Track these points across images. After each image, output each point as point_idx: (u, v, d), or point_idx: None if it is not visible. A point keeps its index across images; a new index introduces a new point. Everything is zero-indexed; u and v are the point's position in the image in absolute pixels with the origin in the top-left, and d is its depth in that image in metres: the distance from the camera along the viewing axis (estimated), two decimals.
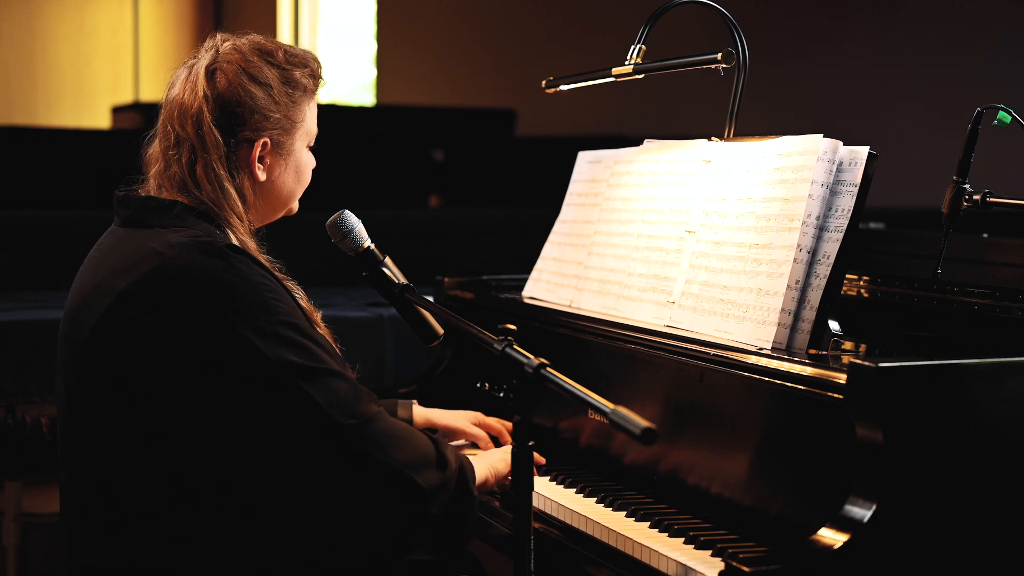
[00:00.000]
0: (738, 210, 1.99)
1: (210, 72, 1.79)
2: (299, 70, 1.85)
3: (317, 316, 1.87)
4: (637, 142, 2.36)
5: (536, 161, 6.21)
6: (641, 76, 2.29)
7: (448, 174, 6.19)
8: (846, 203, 1.85)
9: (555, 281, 2.47)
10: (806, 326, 1.84)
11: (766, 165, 1.98)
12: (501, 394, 2.45)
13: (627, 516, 1.84)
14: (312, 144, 1.91)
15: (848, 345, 1.98)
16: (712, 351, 1.85)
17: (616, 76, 2.33)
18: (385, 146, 5.93)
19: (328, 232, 1.97)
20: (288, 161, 1.85)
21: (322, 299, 1.94)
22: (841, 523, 1.53)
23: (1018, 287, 1.97)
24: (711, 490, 1.84)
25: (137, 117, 7.01)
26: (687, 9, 2.31)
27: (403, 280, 1.97)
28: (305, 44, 10.79)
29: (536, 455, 2.05)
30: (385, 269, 1.97)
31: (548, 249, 2.54)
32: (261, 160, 1.81)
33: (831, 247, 1.84)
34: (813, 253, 1.86)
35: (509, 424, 2.23)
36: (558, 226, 2.54)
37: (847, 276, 2.19)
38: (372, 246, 1.98)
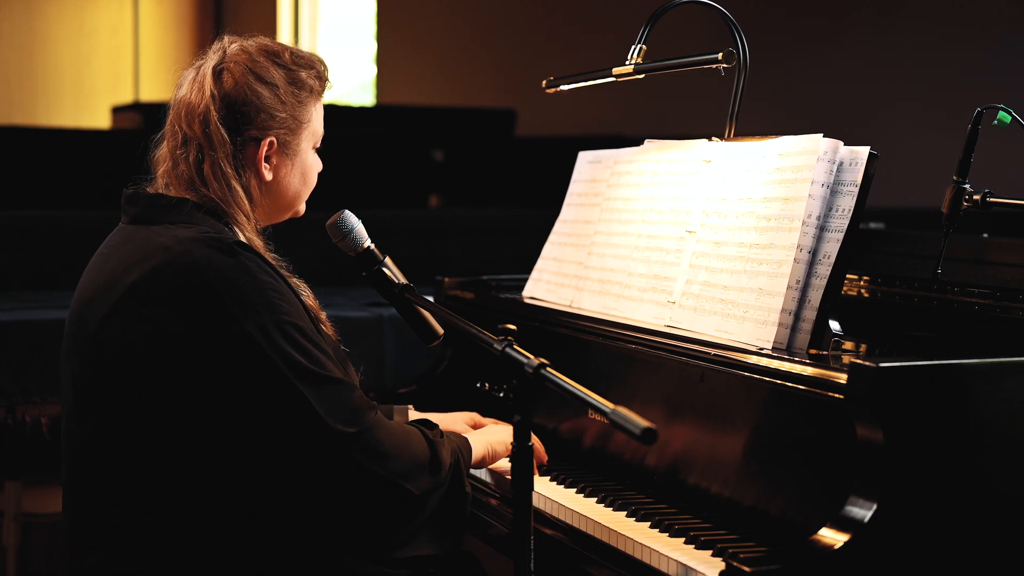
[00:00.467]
0: (738, 210, 1.99)
1: (217, 72, 1.81)
2: (305, 71, 1.87)
3: (323, 315, 1.88)
4: (637, 142, 2.36)
5: (536, 161, 6.21)
6: (641, 76, 2.29)
7: (448, 174, 6.19)
8: (846, 203, 1.85)
9: (555, 281, 2.47)
10: (807, 326, 1.84)
11: (766, 165, 1.98)
12: (501, 394, 2.45)
13: (627, 516, 1.84)
14: (318, 146, 1.93)
15: (848, 345, 1.98)
16: (712, 351, 1.85)
17: (616, 76, 2.33)
18: (385, 146, 5.93)
19: (328, 232, 1.97)
20: (294, 161, 1.87)
21: (322, 299, 1.95)
22: (841, 523, 1.53)
23: (1018, 287, 1.97)
24: (711, 490, 1.84)
25: (137, 117, 7.01)
26: (687, 9, 2.31)
27: (403, 280, 1.97)
28: (305, 44, 10.79)
29: (540, 450, 2.06)
30: (385, 269, 1.97)
31: (548, 249, 2.54)
32: (267, 160, 1.83)
33: (831, 247, 1.84)
34: (814, 253, 1.86)
35: (506, 424, 2.23)
36: (558, 226, 2.54)
37: (847, 276, 2.19)
38: (372, 246, 1.98)
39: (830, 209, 1.87)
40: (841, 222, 1.84)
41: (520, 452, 1.56)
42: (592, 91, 2.55)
